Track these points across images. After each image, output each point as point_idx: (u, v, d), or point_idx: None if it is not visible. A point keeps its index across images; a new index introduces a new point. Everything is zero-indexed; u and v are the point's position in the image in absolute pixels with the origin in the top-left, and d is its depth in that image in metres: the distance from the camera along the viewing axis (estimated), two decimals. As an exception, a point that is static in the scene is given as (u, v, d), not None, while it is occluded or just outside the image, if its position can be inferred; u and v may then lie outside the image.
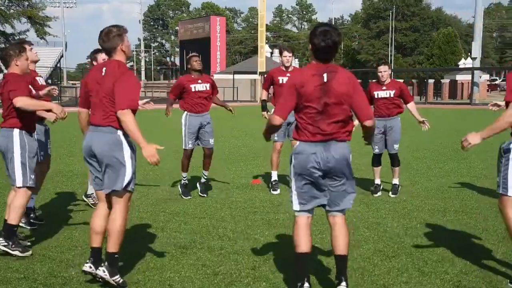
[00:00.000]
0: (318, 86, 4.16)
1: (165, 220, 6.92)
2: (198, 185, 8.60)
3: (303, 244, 4.29)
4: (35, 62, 6.69)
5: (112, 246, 4.53)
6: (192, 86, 8.19)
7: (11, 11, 54.62)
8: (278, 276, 4.88)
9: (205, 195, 8.37)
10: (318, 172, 4.23)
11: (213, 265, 5.17)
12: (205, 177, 8.61)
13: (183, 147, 8.36)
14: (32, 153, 5.52)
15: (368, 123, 4.29)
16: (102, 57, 7.35)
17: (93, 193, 7.62)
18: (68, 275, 4.86)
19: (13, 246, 5.29)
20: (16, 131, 5.42)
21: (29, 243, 5.69)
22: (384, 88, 8.16)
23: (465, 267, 5.11)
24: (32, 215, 6.51)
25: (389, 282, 4.74)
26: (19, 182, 5.41)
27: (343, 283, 4.25)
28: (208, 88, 8.30)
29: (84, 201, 7.72)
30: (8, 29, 54.63)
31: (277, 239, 6.08)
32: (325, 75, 4.17)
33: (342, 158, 4.24)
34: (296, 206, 4.35)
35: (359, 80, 4.36)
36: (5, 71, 5.65)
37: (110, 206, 4.68)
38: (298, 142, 4.34)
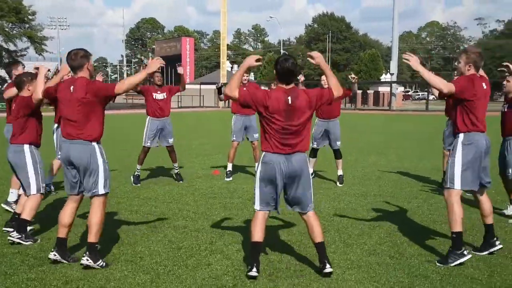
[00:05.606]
0: (284, 107, 4.09)
1: (139, 204, 6.80)
2: (174, 175, 8.65)
3: (257, 235, 4.18)
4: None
5: (93, 237, 4.36)
6: (154, 94, 8.20)
7: (14, 32, 52.89)
8: (231, 249, 4.87)
9: (181, 181, 8.45)
10: (281, 179, 4.14)
11: (177, 241, 5.11)
12: (176, 168, 8.59)
13: (143, 144, 8.31)
14: (41, 164, 5.20)
15: (336, 93, 4.25)
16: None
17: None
18: (55, 251, 4.69)
19: (25, 238, 5.01)
20: (26, 147, 5.11)
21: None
22: None
23: (379, 239, 5.21)
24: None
25: (319, 252, 4.76)
26: (33, 190, 5.09)
27: (328, 266, 4.14)
28: (165, 97, 8.26)
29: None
30: (11, 47, 53.00)
31: (231, 219, 6.05)
32: (289, 98, 4.11)
33: (302, 166, 4.16)
34: (257, 206, 4.24)
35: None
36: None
37: (77, 205, 4.53)
38: (264, 153, 4.20)
